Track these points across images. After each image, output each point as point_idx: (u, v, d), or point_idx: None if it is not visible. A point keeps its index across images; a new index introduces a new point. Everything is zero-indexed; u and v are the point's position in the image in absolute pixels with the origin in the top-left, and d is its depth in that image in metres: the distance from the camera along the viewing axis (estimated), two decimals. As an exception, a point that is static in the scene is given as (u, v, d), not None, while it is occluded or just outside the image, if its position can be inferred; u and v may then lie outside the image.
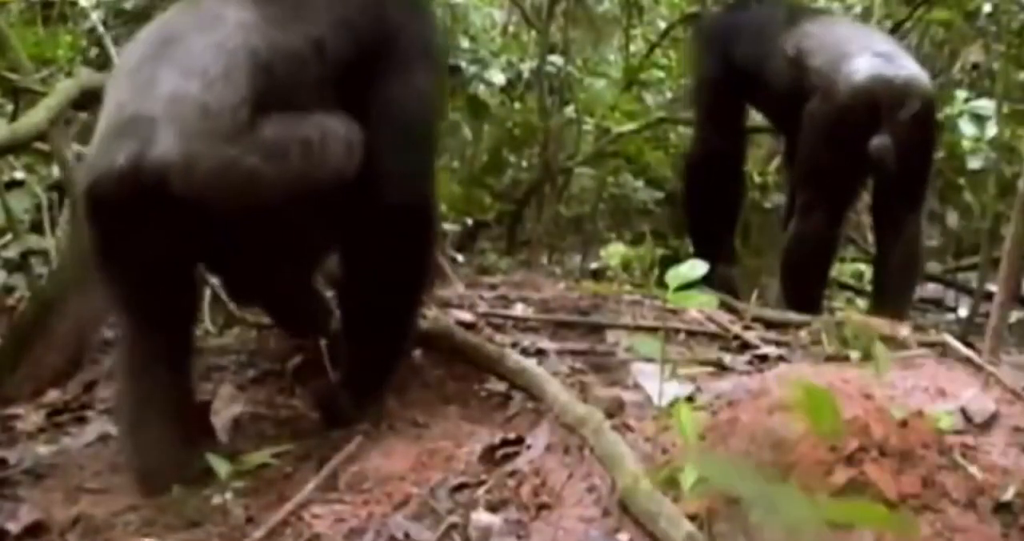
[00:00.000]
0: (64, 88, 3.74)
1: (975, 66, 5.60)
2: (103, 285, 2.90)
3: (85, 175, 2.75)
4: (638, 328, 3.66)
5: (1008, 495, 2.29)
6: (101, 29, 5.01)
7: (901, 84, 4.13)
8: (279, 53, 2.80)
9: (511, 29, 6.91)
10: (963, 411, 2.65)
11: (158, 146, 2.61)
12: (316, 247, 3.03)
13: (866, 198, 4.67)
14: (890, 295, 4.43)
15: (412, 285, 3.18)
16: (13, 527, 2.80)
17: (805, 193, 4.42)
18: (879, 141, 4.05)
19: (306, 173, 2.74)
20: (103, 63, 5.05)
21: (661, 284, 2.68)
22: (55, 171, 4.36)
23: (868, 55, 4.24)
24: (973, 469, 2.36)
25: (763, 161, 5.91)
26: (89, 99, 3.74)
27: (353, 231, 2.97)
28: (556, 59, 6.03)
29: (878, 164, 4.10)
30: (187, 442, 2.90)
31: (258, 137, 2.68)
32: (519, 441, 2.83)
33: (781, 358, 3.45)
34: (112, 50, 4.76)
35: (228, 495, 2.79)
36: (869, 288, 4.94)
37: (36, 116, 3.57)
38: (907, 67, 4.24)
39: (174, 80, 2.70)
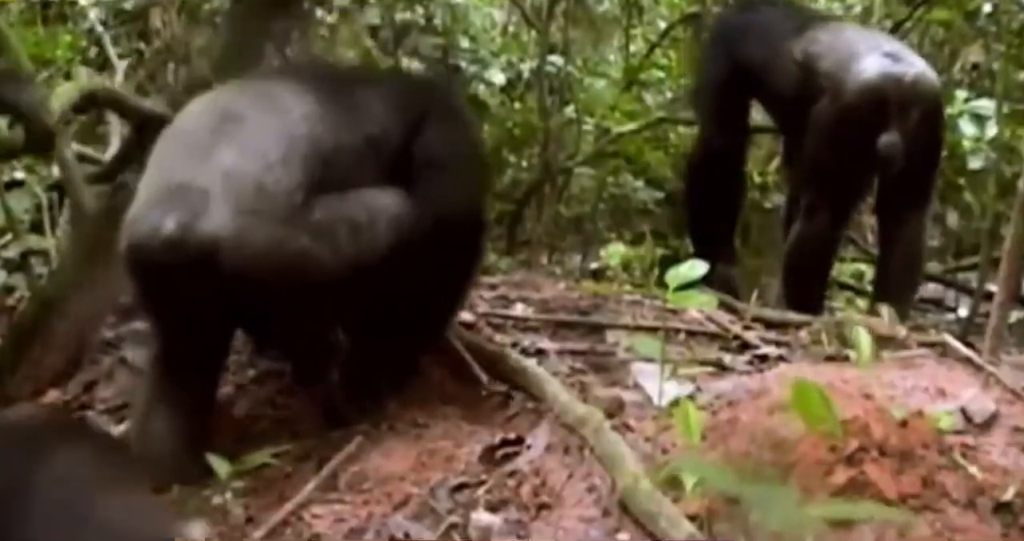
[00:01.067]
0: (64, 92, 3.73)
1: (975, 66, 5.60)
2: (139, 309, 2.96)
3: (129, 232, 2.78)
4: (638, 328, 3.66)
5: (1008, 495, 2.29)
6: (100, 29, 5.01)
7: (910, 82, 4.14)
8: (338, 147, 2.91)
9: (511, 29, 6.90)
10: (963, 411, 2.65)
11: (211, 218, 2.65)
12: (353, 308, 3.05)
13: (867, 198, 4.67)
14: (891, 294, 4.42)
15: (457, 292, 3.25)
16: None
17: (810, 194, 4.41)
18: (888, 138, 4.05)
19: (354, 254, 2.80)
20: (103, 63, 5.06)
21: (661, 284, 2.68)
22: (55, 171, 4.36)
23: (877, 55, 4.24)
24: (973, 469, 2.36)
25: (763, 161, 5.90)
26: (88, 103, 3.75)
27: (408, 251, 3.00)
28: (556, 59, 6.02)
29: (886, 162, 4.10)
30: (194, 445, 2.91)
31: (309, 218, 2.74)
32: (519, 441, 2.83)
33: (781, 358, 3.44)
34: (111, 50, 4.77)
35: (228, 495, 2.79)
36: (869, 288, 4.93)
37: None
38: (916, 65, 4.24)
39: (233, 157, 2.76)
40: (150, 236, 2.68)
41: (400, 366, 3.25)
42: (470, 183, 3.24)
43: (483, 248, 3.39)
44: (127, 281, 2.91)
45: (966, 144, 4.60)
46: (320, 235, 2.75)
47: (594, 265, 5.51)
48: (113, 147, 4.40)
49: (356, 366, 3.14)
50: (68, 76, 5.06)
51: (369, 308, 3.05)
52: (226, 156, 2.77)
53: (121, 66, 4.60)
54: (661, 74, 6.39)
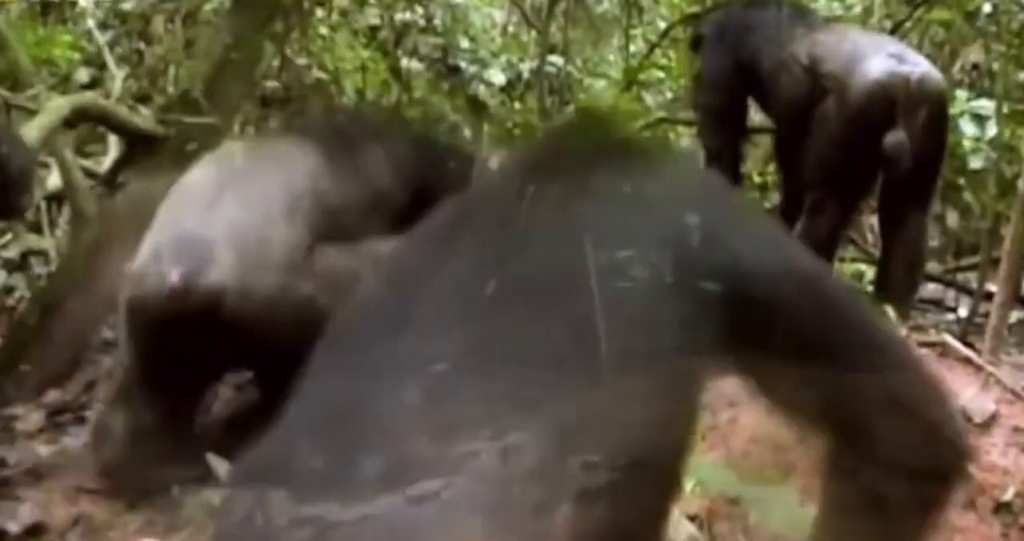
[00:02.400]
0: (56, 107, 3.74)
1: (975, 66, 5.60)
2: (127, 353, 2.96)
3: (134, 283, 2.81)
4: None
5: (1008, 495, 2.29)
6: (97, 33, 5.01)
7: (916, 82, 4.14)
8: (343, 202, 2.98)
9: (511, 29, 6.90)
10: (963, 411, 2.65)
11: (215, 269, 2.68)
12: None
13: (869, 198, 4.67)
14: (892, 294, 4.42)
15: None
16: (13, 527, 2.80)
17: (815, 193, 4.41)
18: (894, 137, 4.06)
19: None
20: (103, 63, 5.06)
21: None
22: (55, 171, 4.36)
23: (882, 55, 4.25)
24: (973, 469, 2.36)
25: (763, 161, 5.90)
26: (79, 118, 3.79)
27: None
28: (556, 59, 6.02)
29: (893, 161, 4.11)
30: (161, 455, 2.91)
31: (313, 268, 2.78)
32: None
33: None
34: (109, 59, 4.77)
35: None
36: (869, 288, 4.93)
37: (28, 134, 3.57)
38: (921, 65, 4.25)
39: (237, 210, 2.82)
40: (156, 290, 2.72)
41: None
42: None
43: None
44: (123, 330, 2.92)
45: (966, 144, 4.60)
46: (323, 284, 2.77)
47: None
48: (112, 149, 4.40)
49: None
50: (68, 77, 5.07)
51: None
52: (231, 209, 2.83)
53: (120, 74, 4.60)
54: (661, 74, 6.39)
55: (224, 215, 2.81)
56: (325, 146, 3.09)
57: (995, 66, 4.98)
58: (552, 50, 6.05)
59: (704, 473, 2.15)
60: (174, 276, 2.70)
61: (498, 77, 5.68)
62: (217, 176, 2.96)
